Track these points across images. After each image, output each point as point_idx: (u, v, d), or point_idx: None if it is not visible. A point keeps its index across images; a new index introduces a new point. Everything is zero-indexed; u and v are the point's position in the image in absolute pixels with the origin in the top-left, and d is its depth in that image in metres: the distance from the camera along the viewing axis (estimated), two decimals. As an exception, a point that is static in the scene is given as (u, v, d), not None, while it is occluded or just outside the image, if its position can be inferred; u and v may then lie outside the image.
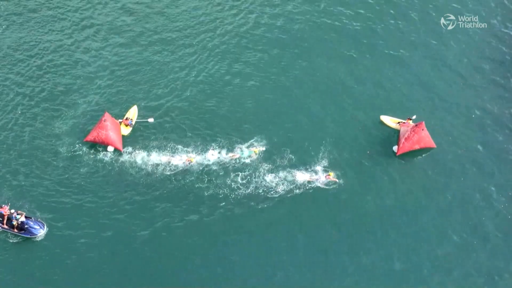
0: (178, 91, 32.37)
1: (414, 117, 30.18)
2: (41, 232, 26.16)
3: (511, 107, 32.24)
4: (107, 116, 28.90)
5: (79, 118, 30.78)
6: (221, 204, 27.74)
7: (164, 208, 27.61)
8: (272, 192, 28.02)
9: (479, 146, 30.39)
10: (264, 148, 29.54)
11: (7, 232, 26.34)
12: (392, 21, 36.35)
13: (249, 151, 29.32)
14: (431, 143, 29.52)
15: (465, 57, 34.58)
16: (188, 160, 28.70)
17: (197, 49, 34.56)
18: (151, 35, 35.21)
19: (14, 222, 26.05)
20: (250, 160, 29.16)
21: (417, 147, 29.34)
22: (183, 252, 26.36)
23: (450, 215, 27.81)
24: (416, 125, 29.43)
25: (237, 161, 29.08)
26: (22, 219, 26.17)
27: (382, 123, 30.85)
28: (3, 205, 26.55)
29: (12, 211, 26.47)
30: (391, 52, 34.65)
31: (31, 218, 26.57)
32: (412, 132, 29.23)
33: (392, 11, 36.91)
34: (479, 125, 31.29)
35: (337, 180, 28.40)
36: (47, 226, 26.51)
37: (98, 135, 28.39)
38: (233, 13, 36.57)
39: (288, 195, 27.97)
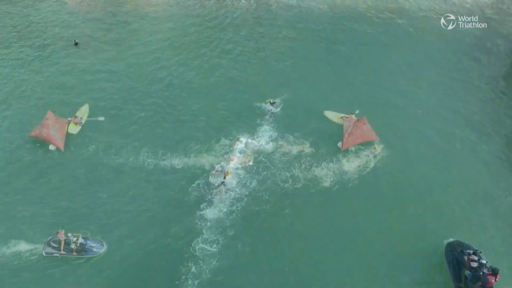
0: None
1: (357, 111, 30.32)
2: (102, 250, 24.68)
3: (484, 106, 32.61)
4: (49, 114, 29.18)
5: (29, 112, 31.06)
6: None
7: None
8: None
9: (431, 139, 30.49)
10: (312, 150, 29.11)
11: (67, 257, 24.62)
12: (386, 18, 36.98)
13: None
14: (373, 137, 29.64)
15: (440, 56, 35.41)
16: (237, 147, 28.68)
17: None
18: (107, 35, 35.84)
19: (73, 246, 24.48)
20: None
21: (360, 141, 29.46)
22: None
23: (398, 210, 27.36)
24: (358, 120, 29.58)
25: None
26: (80, 240, 24.68)
27: (325, 118, 31.00)
28: (59, 230, 24.83)
29: (69, 234, 24.80)
30: (381, 49, 35.85)
31: (88, 237, 25.16)
32: (354, 127, 29.37)
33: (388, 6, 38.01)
34: (442, 122, 31.45)
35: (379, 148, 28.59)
36: (106, 243, 25.11)
37: (40, 132, 28.69)
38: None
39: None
